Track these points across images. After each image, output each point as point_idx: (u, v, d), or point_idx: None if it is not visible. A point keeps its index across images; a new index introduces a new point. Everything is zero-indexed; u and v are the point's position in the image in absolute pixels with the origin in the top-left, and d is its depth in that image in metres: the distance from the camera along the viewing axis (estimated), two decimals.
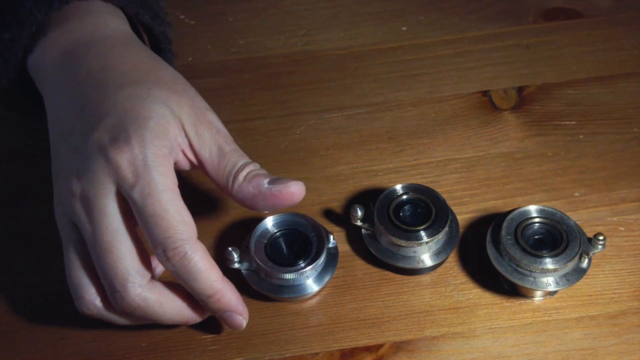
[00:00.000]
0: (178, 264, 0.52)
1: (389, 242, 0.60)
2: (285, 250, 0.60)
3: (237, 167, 0.56)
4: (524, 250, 0.57)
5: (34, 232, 0.64)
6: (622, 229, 0.63)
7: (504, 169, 0.67)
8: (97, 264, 0.53)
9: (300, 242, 0.60)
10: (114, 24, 0.61)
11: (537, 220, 0.59)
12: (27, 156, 0.69)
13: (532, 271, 0.57)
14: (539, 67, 0.74)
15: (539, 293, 0.59)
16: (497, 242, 0.59)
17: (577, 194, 0.65)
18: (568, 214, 0.60)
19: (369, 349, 0.58)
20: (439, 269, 0.62)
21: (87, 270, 0.54)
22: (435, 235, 0.59)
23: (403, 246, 0.59)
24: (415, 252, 0.60)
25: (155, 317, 0.54)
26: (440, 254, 0.60)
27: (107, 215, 0.52)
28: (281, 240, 0.60)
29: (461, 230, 0.63)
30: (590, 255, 0.58)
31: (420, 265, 0.60)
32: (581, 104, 0.71)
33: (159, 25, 0.64)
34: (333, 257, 0.60)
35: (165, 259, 0.52)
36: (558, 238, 0.58)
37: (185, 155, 0.56)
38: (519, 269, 0.58)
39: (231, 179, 0.56)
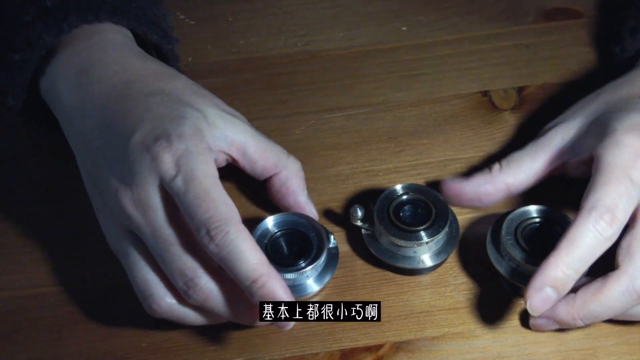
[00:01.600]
0: (221, 243, 0.51)
1: (389, 242, 0.60)
2: (285, 250, 0.60)
3: (283, 156, 0.61)
4: (524, 250, 0.57)
5: (34, 232, 0.64)
6: None
7: None
8: (163, 260, 0.53)
9: (300, 242, 0.60)
10: (123, 40, 0.62)
11: (537, 220, 0.59)
12: (27, 156, 0.69)
13: (531, 272, 0.57)
14: (539, 67, 0.74)
15: None
16: (497, 243, 0.59)
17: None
18: (568, 214, 0.60)
19: (369, 349, 0.58)
20: (439, 269, 0.62)
21: (153, 269, 0.54)
22: (436, 235, 0.59)
23: (403, 246, 0.59)
24: (416, 252, 0.60)
25: (224, 306, 0.53)
26: (441, 254, 0.60)
27: (162, 212, 0.53)
28: (281, 240, 0.60)
29: (461, 230, 0.63)
30: None
31: (421, 266, 0.60)
32: None
33: (167, 44, 0.66)
34: (333, 257, 0.60)
35: (208, 239, 0.51)
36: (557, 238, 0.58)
37: (224, 153, 0.58)
38: (518, 269, 0.57)
39: (281, 167, 0.60)
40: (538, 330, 0.57)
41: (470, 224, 0.64)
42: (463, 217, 0.64)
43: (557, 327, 0.56)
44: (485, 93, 0.72)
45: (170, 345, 0.58)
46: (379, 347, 0.58)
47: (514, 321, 0.59)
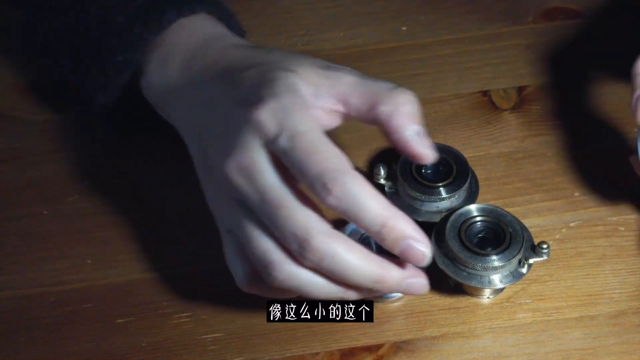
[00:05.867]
0: (340, 195, 0.50)
1: (411, 198, 0.62)
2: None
3: (385, 90, 0.55)
4: (462, 243, 0.58)
5: (34, 232, 0.64)
6: (622, 228, 0.63)
7: (504, 169, 0.67)
8: (274, 223, 0.52)
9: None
10: (221, 31, 0.63)
11: (479, 218, 0.60)
12: (27, 156, 0.69)
13: (476, 269, 0.57)
14: (539, 67, 0.74)
15: (487, 291, 0.60)
16: (440, 240, 0.59)
17: (577, 193, 0.65)
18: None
19: (369, 349, 0.58)
20: (439, 270, 0.62)
21: (268, 236, 0.53)
22: (457, 190, 0.61)
23: (426, 201, 0.61)
24: (438, 207, 0.61)
25: (344, 266, 0.51)
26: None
27: (269, 174, 0.52)
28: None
29: None
30: (531, 262, 0.58)
31: (440, 217, 0.61)
32: (581, 104, 0.71)
33: (242, 35, 0.67)
34: None
35: (326, 192, 0.50)
36: (501, 236, 0.58)
37: (324, 109, 0.55)
38: (467, 269, 0.58)
39: (378, 102, 0.55)
40: None
41: None
42: None
43: None
44: (485, 93, 0.73)
45: (170, 345, 0.59)
46: (378, 347, 0.58)
47: (514, 321, 0.59)
